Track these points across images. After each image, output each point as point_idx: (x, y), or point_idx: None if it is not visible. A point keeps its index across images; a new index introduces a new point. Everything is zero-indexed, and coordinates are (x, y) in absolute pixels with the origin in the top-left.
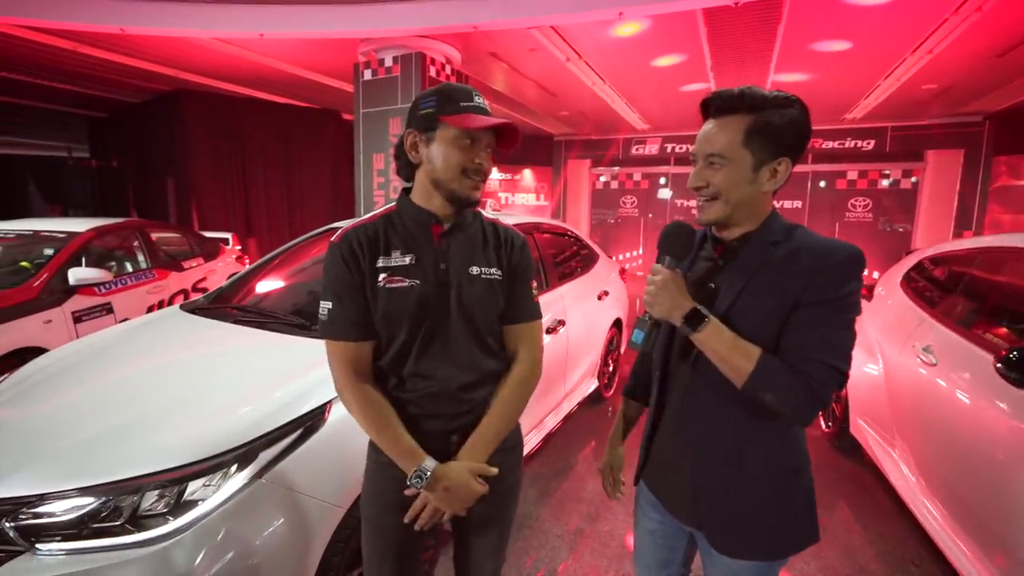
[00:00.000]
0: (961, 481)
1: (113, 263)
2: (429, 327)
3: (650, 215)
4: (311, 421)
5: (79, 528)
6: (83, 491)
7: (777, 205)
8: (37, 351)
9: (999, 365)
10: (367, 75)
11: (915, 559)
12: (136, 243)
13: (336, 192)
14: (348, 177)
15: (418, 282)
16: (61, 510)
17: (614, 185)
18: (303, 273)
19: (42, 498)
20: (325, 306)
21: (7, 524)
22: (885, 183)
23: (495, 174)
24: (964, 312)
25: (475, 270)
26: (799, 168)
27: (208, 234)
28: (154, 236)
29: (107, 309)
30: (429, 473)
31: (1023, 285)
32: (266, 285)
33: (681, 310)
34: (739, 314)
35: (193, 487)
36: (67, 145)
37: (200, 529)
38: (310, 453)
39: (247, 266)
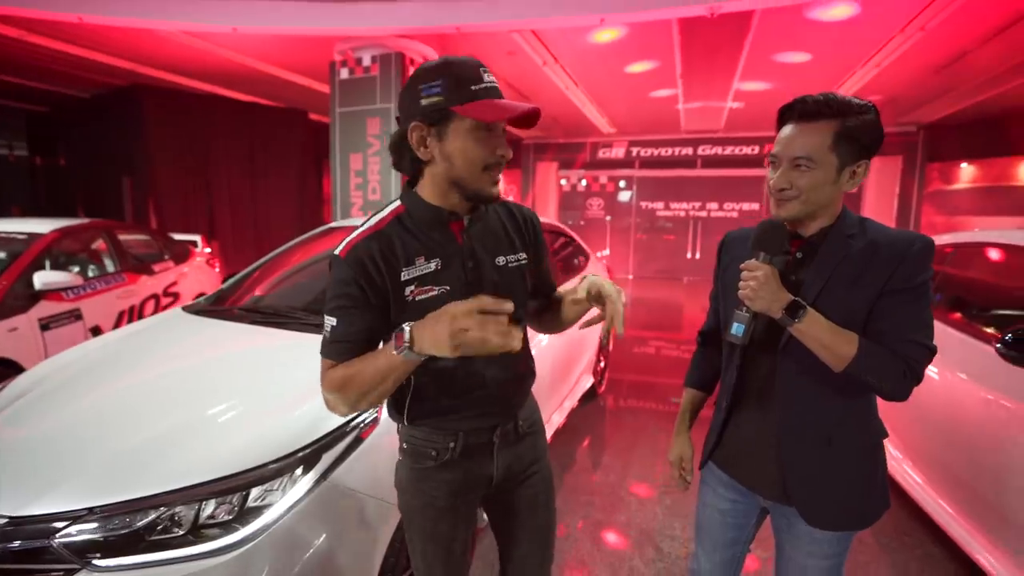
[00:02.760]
0: (949, 453)
1: (79, 266)
2: None
3: (608, 218)
4: (366, 421)
5: (135, 541)
6: (134, 503)
7: (736, 206)
8: (2, 362)
9: (999, 346)
10: (344, 74)
11: (906, 530)
12: (103, 245)
13: (303, 194)
14: (315, 178)
15: (448, 288)
16: (113, 524)
17: (581, 188)
18: (310, 272)
19: (91, 511)
20: (329, 322)
21: (55, 541)
22: None
23: None
24: (945, 304)
25: (501, 260)
26: (756, 171)
27: (176, 236)
28: (121, 238)
29: (76, 315)
30: (407, 330)
31: (998, 279)
32: (273, 286)
33: (780, 302)
34: (826, 304)
35: (256, 493)
36: (7, 142)
37: (271, 535)
38: (367, 453)
39: (215, 268)
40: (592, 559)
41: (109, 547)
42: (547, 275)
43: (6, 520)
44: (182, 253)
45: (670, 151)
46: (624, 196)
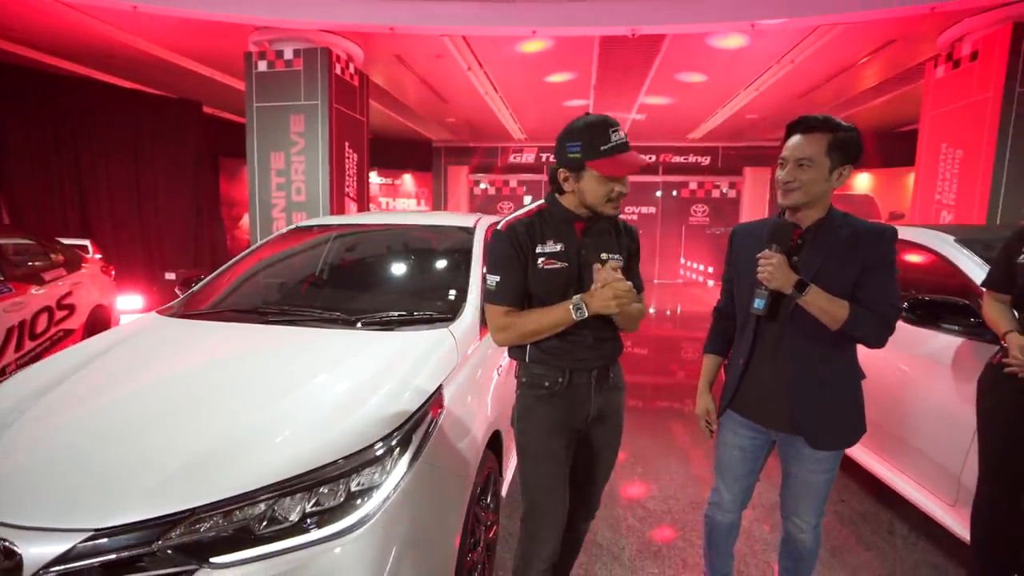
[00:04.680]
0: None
1: None
2: (578, 294)
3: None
4: (436, 402)
5: (247, 535)
6: (238, 499)
7: (636, 210)
8: None
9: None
10: (262, 66)
11: None
12: None
13: (198, 194)
14: (211, 178)
15: (566, 264)
16: (222, 521)
17: (492, 191)
18: (291, 271)
19: (193, 512)
20: (493, 279)
21: (161, 545)
22: (717, 193)
23: (375, 179)
24: None
25: (605, 256)
26: (651, 178)
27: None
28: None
29: None
30: (578, 298)
31: None
32: (250, 286)
33: (790, 281)
34: (822, 279)
35: (359, 477)
36: None
37: (383, 514)
38: (443, 432)
39: (111, 276)
40: (595, 521)
41: (222, 544)
42: (636, 275)
43: (91, 532)
44: (73, 260)
45: None
46: (524, 200)
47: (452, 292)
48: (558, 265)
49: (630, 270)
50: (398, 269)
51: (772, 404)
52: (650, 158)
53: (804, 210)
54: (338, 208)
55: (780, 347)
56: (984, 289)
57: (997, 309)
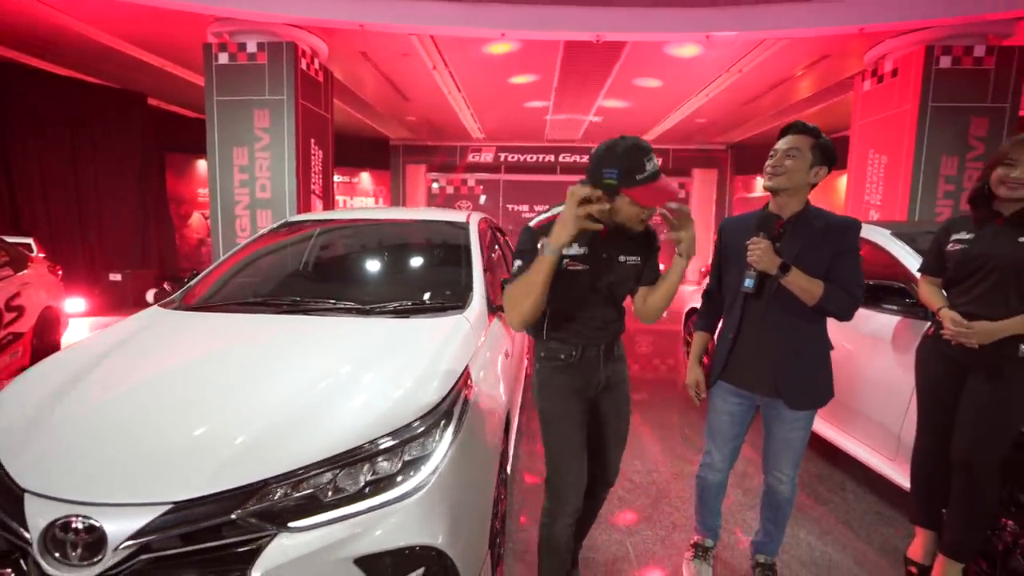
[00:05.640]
0: None
1: None
2: (593, 291)
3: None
4: (465, 381)
5: (316, 502)
6: (309, 468)
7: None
8: None
9: None
10: (223, 59)
11: None
12: None
13: (145, 191)
14: (158, 173)
15: (588, 267)
16: (294, 490)
17: (450, 190)
18: (294, 264)
19: (265, 483)
20: (517, 263)
21: (240, 514)
22: None
23: (335, 177)
24: None
25: (622, 258)
26: None
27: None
28: None
29: None
30: (542, 242)
31: None
32: (265, 279)
33: (775, 264)
34: (801, 263)
35: (412, 448)
36: None
37: (438, 479)
38: (473, 409)
39: (59, 275)
40: None
41: (293, 511)
42: (654, 266)
43: (171, 505)
44: (19, 259)
45: (534, 157)
46: (480, 200)
47: (457, 282)
48: (580, 267)
49: (649, 265)
50: (401, 262)
51: (757, 371)
52: None
53: (785, 200)
54: (304, 206)
55: (765, 321)
56: (919, 274)
57: (931, 290)
